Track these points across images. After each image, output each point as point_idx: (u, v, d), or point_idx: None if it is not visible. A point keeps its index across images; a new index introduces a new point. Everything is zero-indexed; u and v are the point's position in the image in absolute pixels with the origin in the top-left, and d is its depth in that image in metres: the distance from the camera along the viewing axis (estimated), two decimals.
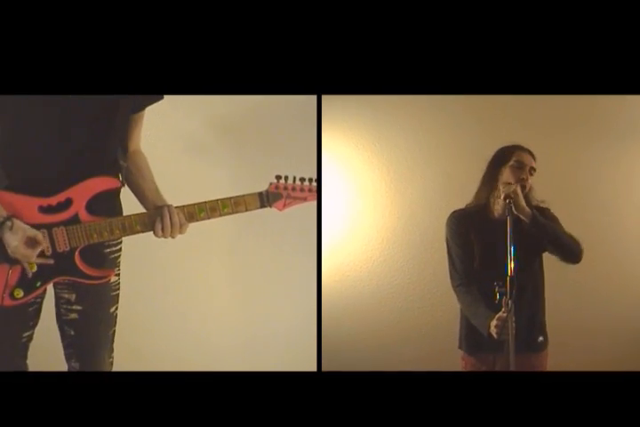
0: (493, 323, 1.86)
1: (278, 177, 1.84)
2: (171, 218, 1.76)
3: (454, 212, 2.13)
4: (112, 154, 1.82)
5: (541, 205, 2.08)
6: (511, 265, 1.79)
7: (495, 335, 1.86)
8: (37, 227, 1.68)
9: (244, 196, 1.82)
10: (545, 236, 1.95)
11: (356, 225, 2.76)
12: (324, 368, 2.41)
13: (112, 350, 1.95)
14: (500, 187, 2.00)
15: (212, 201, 1.80)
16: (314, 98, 2.35)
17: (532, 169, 2.05)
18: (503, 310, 1.82)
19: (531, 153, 2.08)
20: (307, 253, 2.54)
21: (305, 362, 2.49)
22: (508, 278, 1.78)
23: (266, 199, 1.83)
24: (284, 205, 1.86)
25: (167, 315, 2.61)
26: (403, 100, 2.70)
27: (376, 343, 2.75)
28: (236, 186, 2.45)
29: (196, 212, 1.80)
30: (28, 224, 1.66)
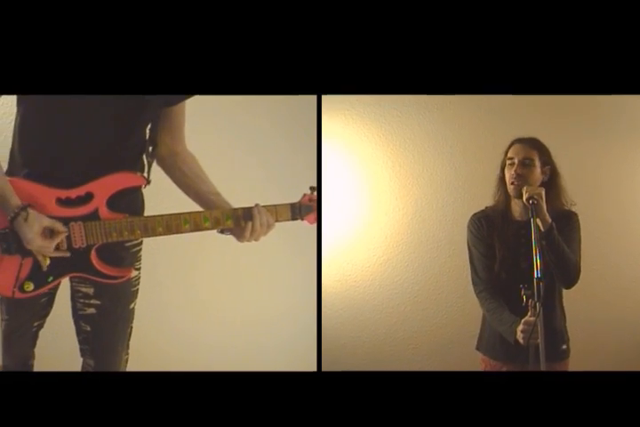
0: (520, 328, 1.78)
1: (312, 188, 1.73)
2: (261, 219, 1.62)
3: (475, 214, 2.06)
4: (137, 149, 1.70)
5: (572, 208, 2.00)
6: (538, 266, 1.71)
7: (522, 341, 1.78)
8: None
9: (275, 206, 1.69)
10: (551, 253, 1.84)
11: (357, 224, 2.76)
12: (324, 368, 2.41)
13: (128, 347, 1.87)
14: (525, 188, 1.88)
15: (240, 209, 1.67)
16: (314, 98, 2.35)
17: (528, 160, 1.94)
18: (530, 313, 1.74)
19: (531, 143, 1.97)
20: (307, 252, 2.54)
21: (305, 362, 2.49)
22: (535, 280, 1.69)
23: (298, 211, 1.72)
24: (316, 219, 1.75)
25: (167, 315, 2.62)
26: (403, 99, 2.71)
27: (376, 343, 2.75)
28: (231, 184, 2.43)
29: (223, 219, 1.67)
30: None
